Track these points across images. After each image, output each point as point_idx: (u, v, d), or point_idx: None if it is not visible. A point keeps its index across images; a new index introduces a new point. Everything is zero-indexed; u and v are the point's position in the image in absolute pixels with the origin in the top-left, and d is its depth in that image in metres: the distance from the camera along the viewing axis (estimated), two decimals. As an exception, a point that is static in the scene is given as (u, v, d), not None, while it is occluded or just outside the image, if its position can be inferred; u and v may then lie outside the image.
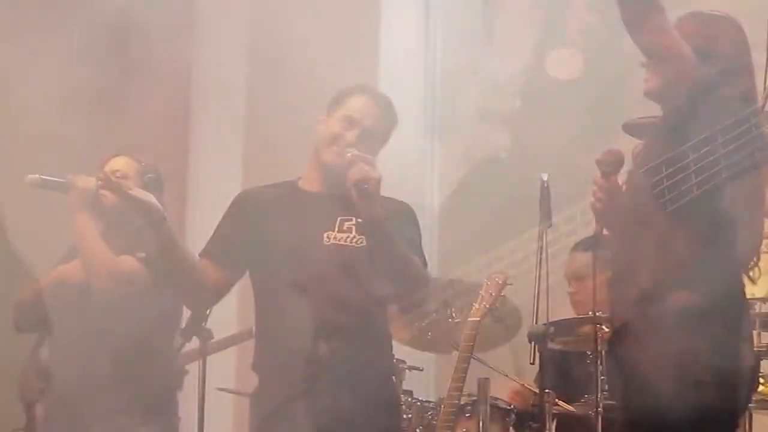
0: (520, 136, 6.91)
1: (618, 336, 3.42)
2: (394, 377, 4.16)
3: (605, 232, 3.65)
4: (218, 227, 4.07)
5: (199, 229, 7.51)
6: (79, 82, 6.38)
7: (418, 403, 5.09)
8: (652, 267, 3.33)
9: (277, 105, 7.47)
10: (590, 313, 4.84)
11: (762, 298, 4.58)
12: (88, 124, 7.02)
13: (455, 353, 5.04)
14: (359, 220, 3.86)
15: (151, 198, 3.84)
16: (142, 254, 4.61)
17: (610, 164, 3.56)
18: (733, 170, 3.29)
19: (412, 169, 6.95)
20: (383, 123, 4.02)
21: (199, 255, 3.98)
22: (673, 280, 3.30)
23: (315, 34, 7.05)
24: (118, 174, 4.69)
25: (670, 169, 3.32)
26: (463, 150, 7.27)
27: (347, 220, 3.91)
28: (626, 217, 3.47)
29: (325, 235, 3.90)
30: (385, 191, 3.84)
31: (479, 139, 7.15)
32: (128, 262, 4.62)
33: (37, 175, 4.67)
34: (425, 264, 3.97)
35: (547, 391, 4.59)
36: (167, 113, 7.47)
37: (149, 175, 4.77)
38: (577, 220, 6.07)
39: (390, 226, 3.81)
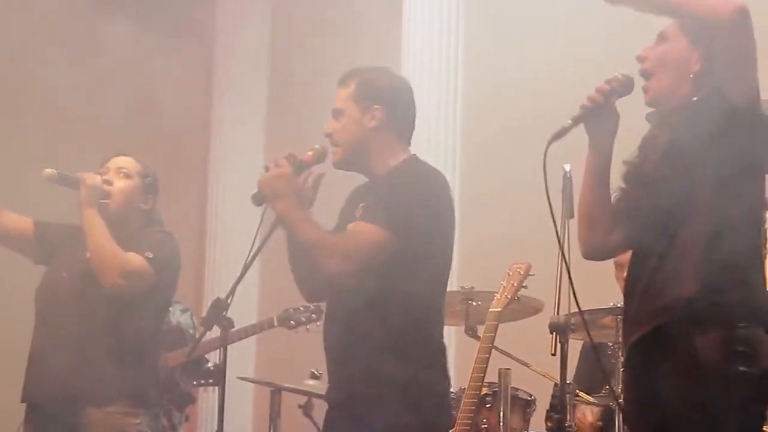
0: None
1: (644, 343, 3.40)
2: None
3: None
4: None
5: (221, 195, 7.55)
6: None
7: (439, 394, 5.06)
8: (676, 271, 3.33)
9: (299, 76, 7.49)
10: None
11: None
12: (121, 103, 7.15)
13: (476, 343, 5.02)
14: (362, 204, 3.92)
15: None
16: (150, 254, 4.62)
17: (619, 82, 3.51)
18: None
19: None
20: (354, 99, 3.97)
21: None
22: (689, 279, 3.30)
23: (337, 7, 7.06)
24: (123, 171, 4.78)
25: None
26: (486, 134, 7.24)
27: (362, 203, 3.96)
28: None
29: (350, 226, 3.93)
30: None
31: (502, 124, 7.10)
32: (137, 260, 4.62)
33: (54, 170, 4.69)
34: (394, 225, 3.78)
35: (567, 382, 4.56)
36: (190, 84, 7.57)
37: (149, 178, 4.87)
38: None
39: (294, 215, 3.83)
